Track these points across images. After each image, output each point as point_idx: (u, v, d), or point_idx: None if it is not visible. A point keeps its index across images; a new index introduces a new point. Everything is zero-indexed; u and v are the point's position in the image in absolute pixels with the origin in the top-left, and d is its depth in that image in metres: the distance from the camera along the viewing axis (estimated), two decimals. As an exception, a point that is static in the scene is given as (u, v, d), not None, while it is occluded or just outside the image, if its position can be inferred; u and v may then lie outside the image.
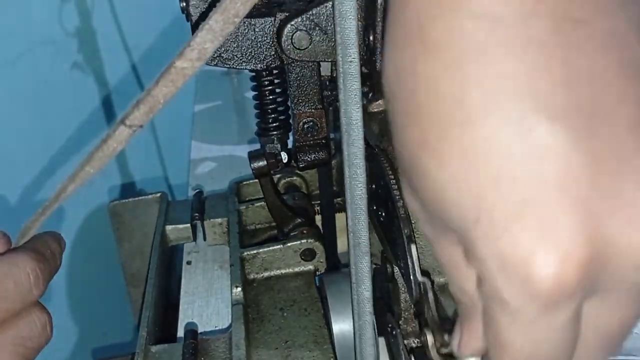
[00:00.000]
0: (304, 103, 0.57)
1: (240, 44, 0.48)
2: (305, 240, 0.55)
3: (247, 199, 0.67)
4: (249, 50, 0.48)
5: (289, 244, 0.55)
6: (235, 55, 0.48)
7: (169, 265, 0.62)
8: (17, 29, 1.05)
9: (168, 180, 1.12)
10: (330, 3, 0.42)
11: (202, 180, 0.78)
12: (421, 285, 0.35)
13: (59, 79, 1.11)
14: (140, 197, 0.66)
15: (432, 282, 0.37)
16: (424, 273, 0.38)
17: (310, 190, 0.67)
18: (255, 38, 0.48)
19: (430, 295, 0.34)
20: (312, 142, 0.59)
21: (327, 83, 0.61)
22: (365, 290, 0.39)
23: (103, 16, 1.11)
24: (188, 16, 0.44)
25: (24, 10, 1.05)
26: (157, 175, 1.13)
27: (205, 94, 1.03)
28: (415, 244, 0.37)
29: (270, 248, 0.55)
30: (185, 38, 0.27)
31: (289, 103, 0.59)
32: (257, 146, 0.61)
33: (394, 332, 0.42)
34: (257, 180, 0.59)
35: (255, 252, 0.55)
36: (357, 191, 0.36)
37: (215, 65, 0.49)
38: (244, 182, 0.67)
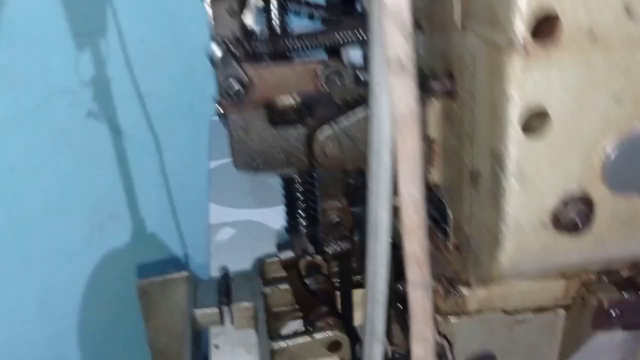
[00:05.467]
0: (330, 198, 0.60)
1: (274, 151, 0.50)
2: (331, 333, 0.58)
3: (271, 277, 0.69)
4: (283, 157, 0.50)
5: (316, 337, 0.57)
6: (270, 162, 0.50)
7: (197, 347, 0.64)
8: (36, 79, 1.07)
9: (186, 249, 1.14)
10: (359, 110, 0.44)
11: (223, 249, 0.81)
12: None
13: (75, 128, 1.13)
14: (167, 276, 0.68)
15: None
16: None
17: (331, 271, 0.69)
18: (288, 146, 0.49)
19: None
20: (337, 235, 0.61)
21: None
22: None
23: (117, 64, 1.13)
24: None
25: (42, 61, 1.07)
26: (174, 241, 1.14)
27: (220, 149, 1.05)
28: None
29: (299, 342, 0.57)
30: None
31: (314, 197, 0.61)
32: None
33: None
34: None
35: (284, 345, 0.57)
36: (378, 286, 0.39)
37: (252, 171, 0.51)
38: (268, 261, 0.69)
